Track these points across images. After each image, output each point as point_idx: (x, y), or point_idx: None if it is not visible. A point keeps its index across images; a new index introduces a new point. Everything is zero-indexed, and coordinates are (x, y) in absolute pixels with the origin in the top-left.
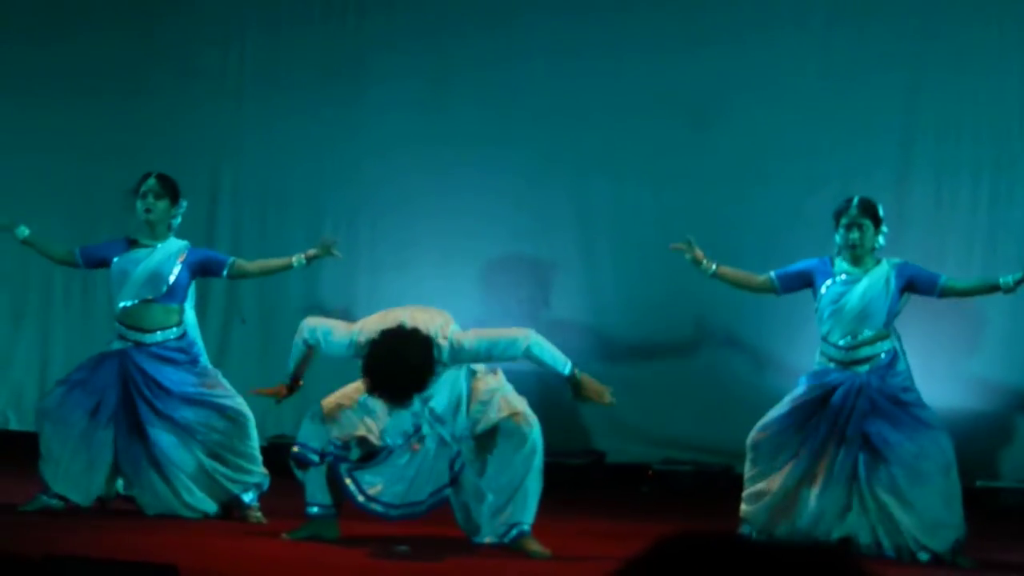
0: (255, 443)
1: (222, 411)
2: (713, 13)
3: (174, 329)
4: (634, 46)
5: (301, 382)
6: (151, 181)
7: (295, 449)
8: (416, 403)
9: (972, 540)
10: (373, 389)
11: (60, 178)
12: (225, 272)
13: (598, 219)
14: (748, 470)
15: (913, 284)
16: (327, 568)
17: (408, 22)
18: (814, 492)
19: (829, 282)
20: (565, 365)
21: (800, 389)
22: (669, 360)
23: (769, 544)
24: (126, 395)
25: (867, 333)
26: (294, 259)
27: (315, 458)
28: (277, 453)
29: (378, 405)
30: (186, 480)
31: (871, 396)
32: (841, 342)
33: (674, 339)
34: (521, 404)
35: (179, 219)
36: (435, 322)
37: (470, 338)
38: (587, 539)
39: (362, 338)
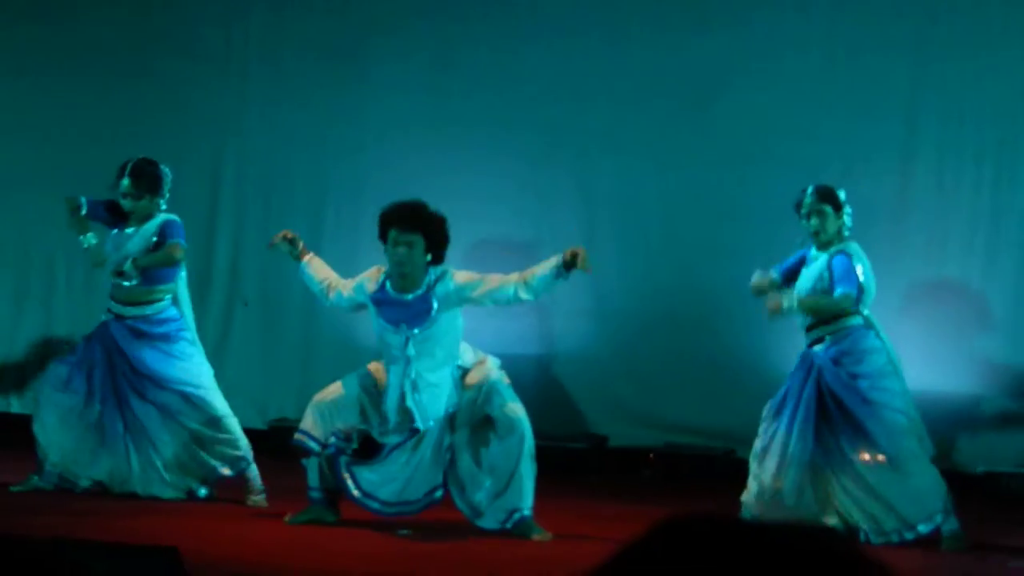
0: (229, 424)
1: (187, 398)
2: None
3: (150, 307)
4: (637, 28)
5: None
6: (125, 183)
7: (297, 437)
8: (406, 384)
9: (974, 525)
10: (385, 216)
11: (62, 160)
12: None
13: (601, 201)
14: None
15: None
16: (328, 552)
17: (411, 3)
18: (789, 475)
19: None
20: (557, 268)
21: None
22: (671, 344)
23: (766, 527)
24: (110, 368)
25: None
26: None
27: (316, 447)
28: (278, 437)
29: (378, 399)
30: (158, 457)
31: (826, 378)
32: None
33: (676, 323)
34: (510, 393)
35: (166, 198)
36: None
37: (465, 274)
38: (588, 522)
39: (359, 288)
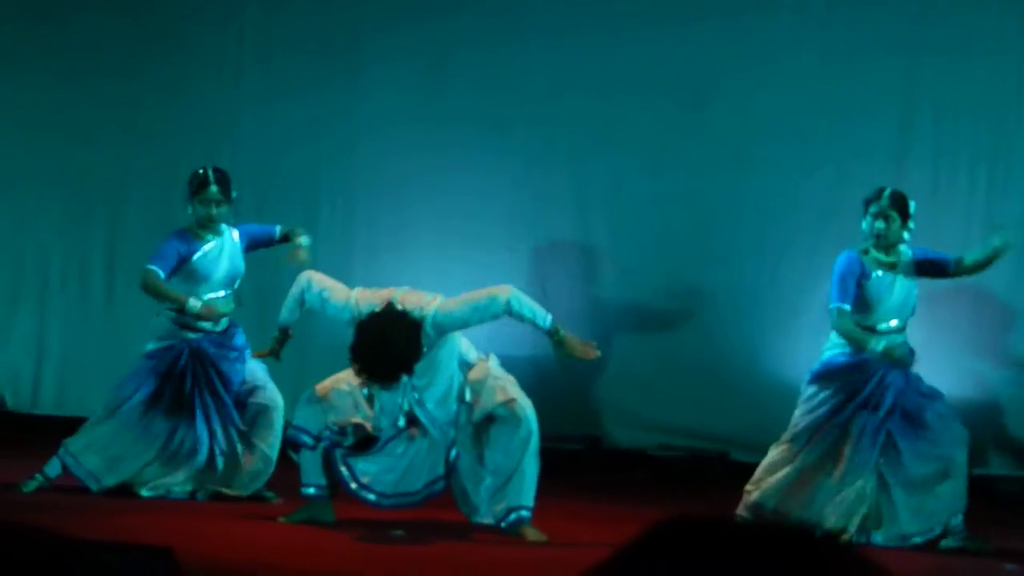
0: (278, 439)
1: (249, 409)
2: None
3: (228, 319)
4: (632, 27)
5: (291, 332)
6: (214, 189)
7: (290, 432)
8: (406, 386)
9: (970, 528)
10: (360, 371)
11: (56, 159)
12: (276, 240)
13: (595, 201)
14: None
15: (923, 267)
16: (322, 552)
17: (404, 2)
18: (834, 475)
19: (874, 276)
20: (545, 319)
21: (826, 380)
22: (665, 345)
23: (761, 529)
24: (193, 385)
25: (896, 323)
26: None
27: (310, 441)
28: None
29: (373, 391)
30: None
31: (897, 382)
32: (887, 327)
33: (671, 324)
34: (515, 390)
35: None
36: (423, 300)
37: (452, 306)
38: (582, 523)
39: (356, 311)
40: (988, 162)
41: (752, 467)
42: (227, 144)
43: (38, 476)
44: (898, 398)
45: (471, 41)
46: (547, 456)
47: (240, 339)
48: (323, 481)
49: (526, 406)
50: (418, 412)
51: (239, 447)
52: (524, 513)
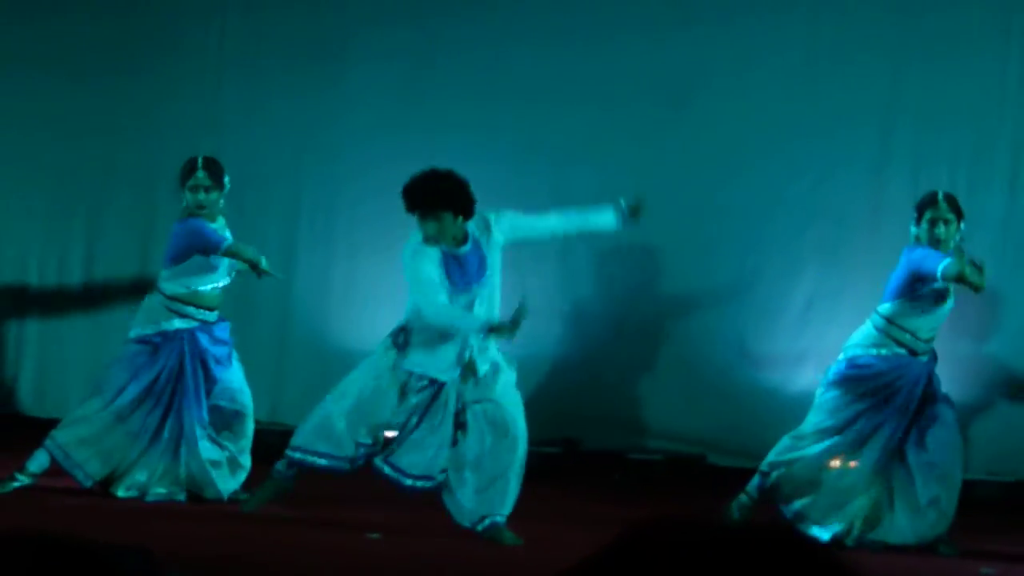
0: (250, 443)
1: (224, 413)
2: None
3: (217, 310)
4: (616, 31)
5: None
6: (201, 175)
7: (320, 463)
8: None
9: (948, 531)
10: (406, 197)
11: (39, 156)
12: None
13: (578, 203)
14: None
15: None
16: (301, 551)
17: (388, 7)
18: (852, 469)
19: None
20: (609, 210)
21: (861, 373)
22: (645, 349)
23: (739, 530)
24: (182, 373)
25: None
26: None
27: (346, 466)
28: (254, 439)
29: (392, 380)
30: (204, 472)
31: (927, 386)
32: (928, 335)
33: (650, 328)
34: (515, 396)
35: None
36: None
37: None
38: (559, 525)
39: None
40: (968, 166)
41: (729, 470)
42: (209, 144)
43: (20, 476)
44: (924, 402)
45: (456, 45)
46: (525, 458)
47: (227, 333)
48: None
49: (519, 414)
50: (477, 357)
51: (203, 451)
52: (499, 519)
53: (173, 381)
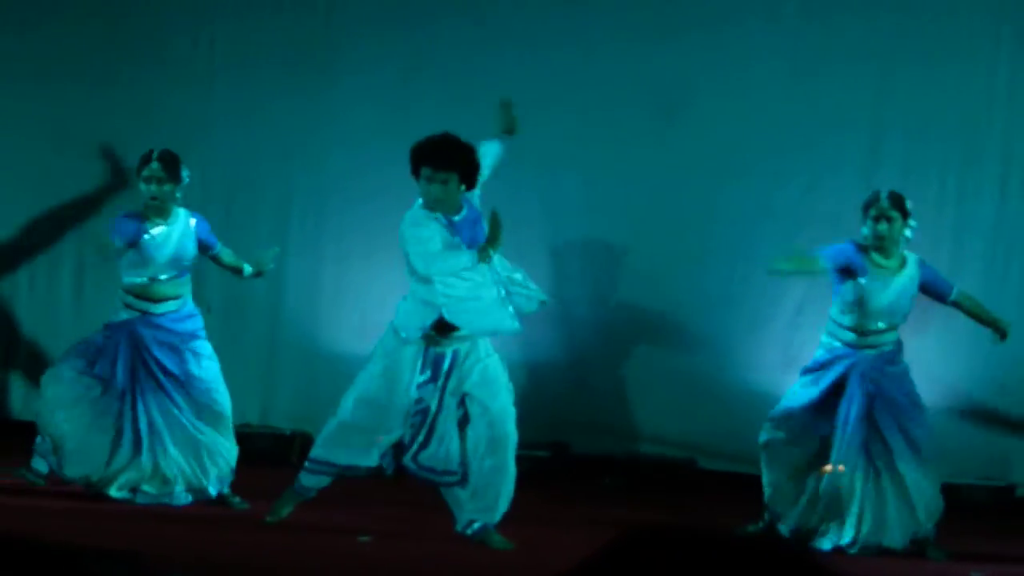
0: (231, 437)
1: (200, 408)
2: (684, 5)
3: (175, 302)
4: (603, 39)
5: None
6: (155, 166)
7: (343, 470)
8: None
9: (939, 536)
10: (417, 153)
11: (28, 165)
12: (210, 254)
13: (566, 211)
14: (766, 474)
15: (926, 287)
16: (292, 554)
17: (377, 14)
18: (824, 475)
19: (869, 276)
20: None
21: (808, 378)
22: (635, 354)
23: (727, 539)
24: (135, 365)
25: (881, 325)
26: (245, 265)
27: (364, 474)
28: (241, 442)
29: (404, 366)
30: (173, 462)
31: (875, 379)
32: (863, 329)
33: (640, 333)
34: (508, 393)
35: (182, 193)
36: None
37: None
38: (549, 530)
39: None
40: (957, 174)
41: (719, 475)
42: (198, 154)
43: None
44: (878, 388)
45: (443, 53)
46: (515, 462)
47: (190, 325)
48: (324, 484)
49: (511, 421)
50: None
51: (171, 442)
52: (488, 524)
53: (130, 376)
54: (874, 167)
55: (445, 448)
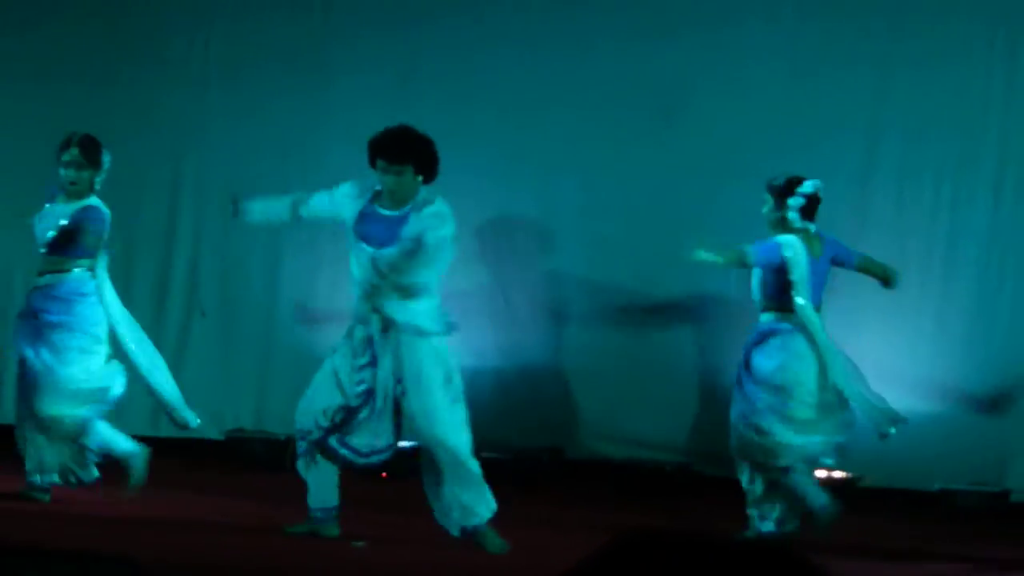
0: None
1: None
2: (682, 5)
3: (52, 276)
4: (602, 39)
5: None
6: (74, 151)
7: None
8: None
9: (931, 542)
10: (372, 145)
11: (23, 165)
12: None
13: (562, 212)
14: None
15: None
16: (284, 558)
17: (373, 15)
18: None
19: None
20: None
21: None
22: (630, 357)
23: (723, 543)
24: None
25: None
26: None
27: (302, 444)
28: (235, 447)
29: (344, 361)
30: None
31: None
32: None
33: (635, 336)
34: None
35: (102, 179)
36: None
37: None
38: (544, 532)
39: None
40: (952, 179)
41: (714, 479)
42: (193, 153)
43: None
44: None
45: (440, 54)
46: (510, 467)
47: (65, 288)
48: (332, 503)
49: (457, 438)
50: (374, 332)
51: (47, 406)
52: (480, 521)
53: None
54: (870, 171)
55: (371, 436)
